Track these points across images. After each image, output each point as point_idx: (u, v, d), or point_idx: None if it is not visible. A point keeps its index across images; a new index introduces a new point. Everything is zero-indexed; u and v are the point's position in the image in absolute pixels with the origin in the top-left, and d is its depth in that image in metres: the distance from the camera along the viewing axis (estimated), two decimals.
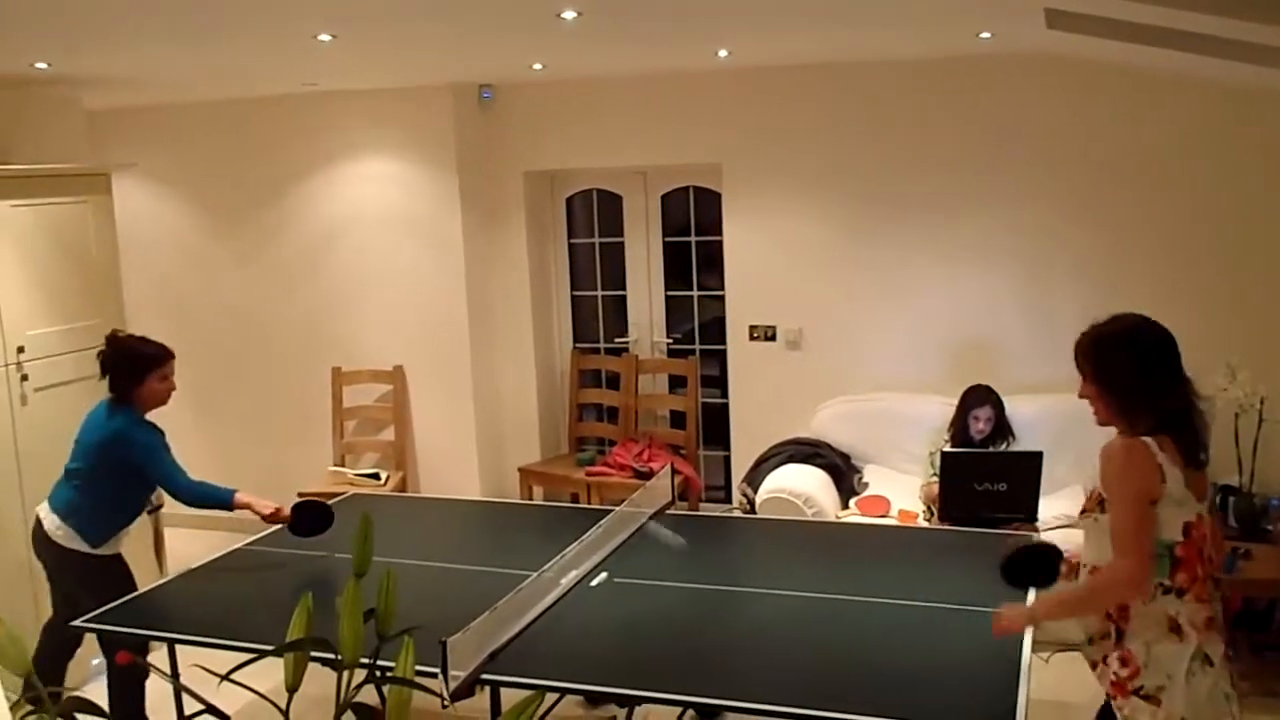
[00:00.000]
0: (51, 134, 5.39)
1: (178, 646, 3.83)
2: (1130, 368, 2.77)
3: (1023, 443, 5.28)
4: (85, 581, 4.15)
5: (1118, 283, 5.55)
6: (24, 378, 4.82)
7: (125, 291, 5.49)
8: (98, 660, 5.06)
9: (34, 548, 4.26)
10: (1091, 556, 2.83)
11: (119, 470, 4.15)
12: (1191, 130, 5.54)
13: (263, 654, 2.10)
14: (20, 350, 4.81)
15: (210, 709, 2.23)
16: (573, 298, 7.18)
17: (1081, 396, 2.87)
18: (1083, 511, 2.87)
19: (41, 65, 4.68)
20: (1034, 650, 3.25)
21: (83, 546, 4.15)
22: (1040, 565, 3.08)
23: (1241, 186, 5.48)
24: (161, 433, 4.21)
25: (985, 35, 5.00)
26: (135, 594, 4.08)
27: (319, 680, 2.22)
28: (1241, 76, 5.02)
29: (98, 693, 4.76)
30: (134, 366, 4.14)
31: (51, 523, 4.17)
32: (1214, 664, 2.70)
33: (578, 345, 7.16)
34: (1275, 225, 5.35)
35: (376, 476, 6.65)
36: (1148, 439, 2.70)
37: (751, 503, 5.66)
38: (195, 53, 4.63)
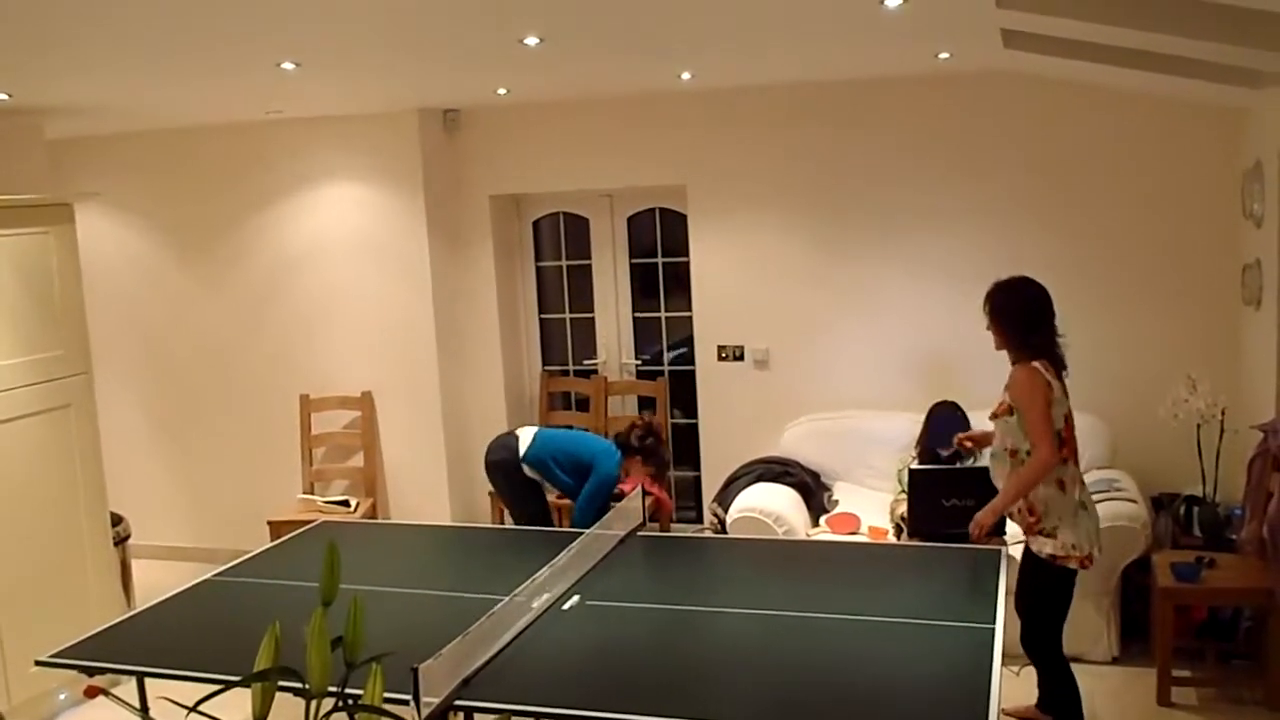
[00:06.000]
0: (12, 164, 5.35)
1: (146, 679, 3.78)
2: (1016, 310, 4.01)
3: (989, 457, 5.31)
4: (529, 497, 5.38)
5: (1080, 296, 5.60)
6: None
7: (90, 321, 5.45)
8: (65, 695, 5.01)
9: (499, 471, 5.39)
10: (1004, 444, 4.05)
11: (581, 477, 5.25)
12: (1149, 146, 5.63)
13: (229, 685, 2.09)
14: None
15: None
16: (541, 320, 7.19)
17: (988, 329, 4.10)
18: (994, 415, 4.10)
19: (1, 96, 4.65)
20: (1004, 663, 3.27)
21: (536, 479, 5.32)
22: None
23: (1200, 200, 5.57)
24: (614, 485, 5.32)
25: (944, 55, 5.07)
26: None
27: (290, 711, 2.21)
28: (1197, 92, 5.11)
29: None
30: (650, 456, 5.35)
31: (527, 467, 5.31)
32: (1088, 508, 3.99)
33: (546, 368, 7.17)
34: (1231, 237, 5.43)
35: (346, 504, 6.62)
36: (1036, 364, 3.93)
37: (722, 522, 5.67)
38: (158, 81, 4.62)
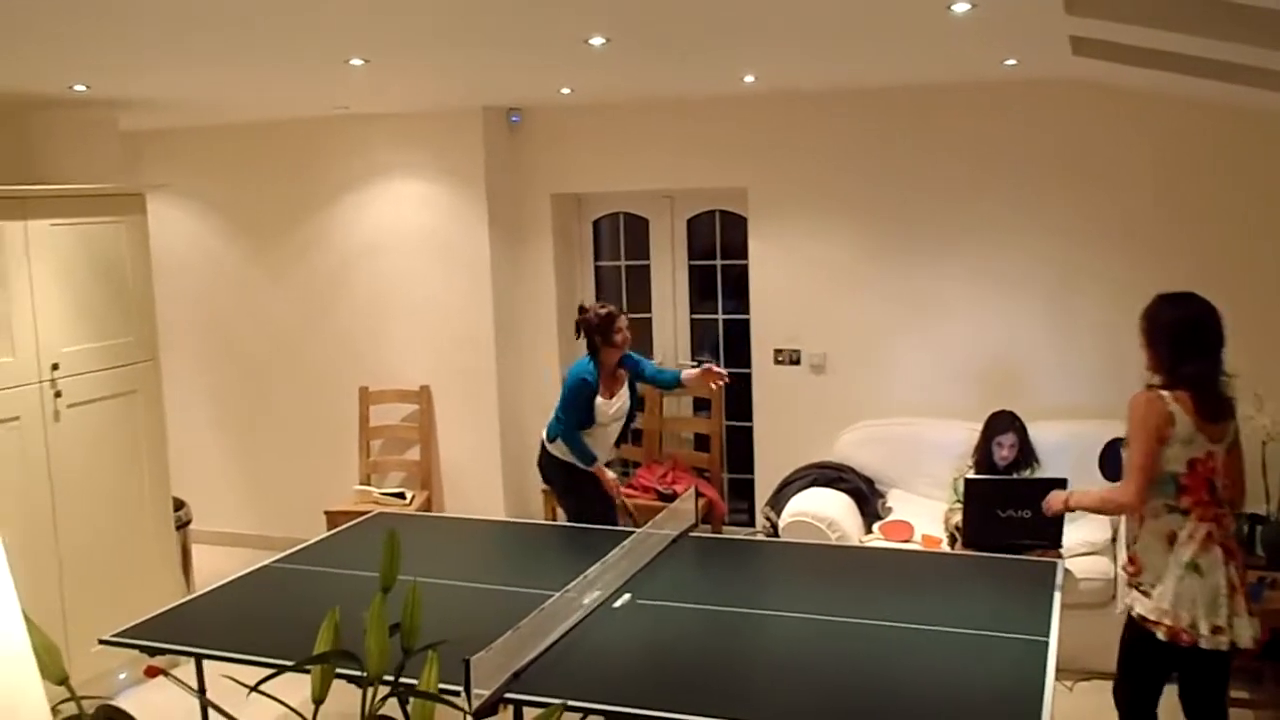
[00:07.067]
0: (88, 155, 5.48)
1: (205, 661, 3.86)
2: (1158, 341, 3.51)
3: (1047, 469, 5.26)
4: (556, 482, 5.54)
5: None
6: (58, 394, 4.90)
7: (158, 309, 5.57)
8: (124, 675, 5.12)
9: (540, 468, 5.57)
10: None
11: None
12: (1219, 157, 5.54)
13: (285, 668, 2.13)
14: (55, 367, 4.89)
15: None
16: None
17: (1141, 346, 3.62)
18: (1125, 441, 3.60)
19: (80, 87, 4.77)
20: (1057, 678, 3.24)
21: (560, 454, 5.37)
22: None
23: (1268, 212, 5.46)
24: (593, 388, 5.25)
25: (1011, 62, 5.02)
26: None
27: (343, 698, 2.25)
28: (1266, 103, 5.01)
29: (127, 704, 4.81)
30: (596, 330, 5.25)
31: (552, 446, 5.41)
32: (1203, 573, 3.37)
33: None
34: None
35: (402, 496, 6.69)
36: (1164, 392, 3.43)
37: (775, 526, 5.66)
38: (230, 76, 4.71)
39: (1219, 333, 3.49)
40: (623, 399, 5.41)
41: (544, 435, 5.49)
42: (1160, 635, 3.41)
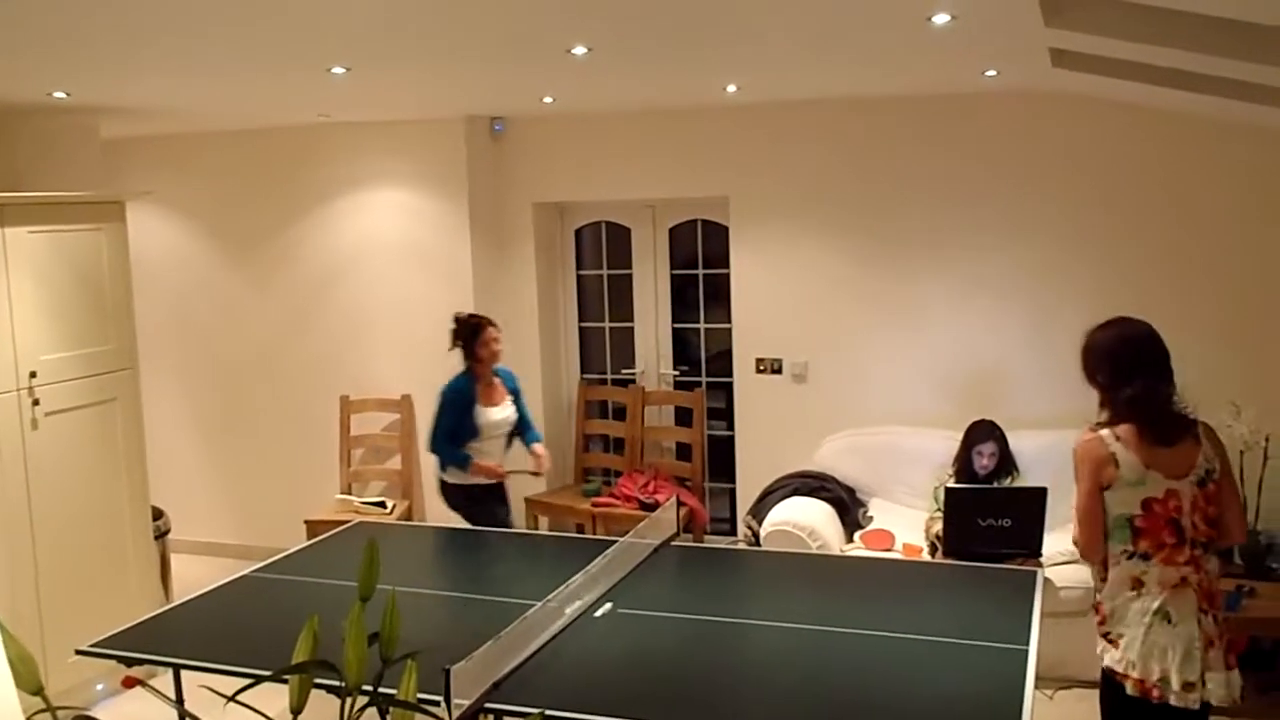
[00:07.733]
0: (68, 162, 5.46)
1: (183, 672, 3.83)
2: (1095, 369, 3.29)
3: (1027, 478, 5.28)
4: (459, 506, 5.40)
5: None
6: (35, 402, 4.86)
7: (138, 318, 5.54)
8: (102, 686, 5.08)
9: (444, 497, 5.45)
10: None
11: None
12: (1196, 168, 5.58)
13: (263, 679, 2.11)
14: (33, 375, 4.86)
15: None
16: (580, 329, 7.22)
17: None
18: None
19: (60, 94, 4.74)
20: (1037, 686, 3.25)
21: (454, 479, 5.36)
22: None
23: (1247, 223, 5.51)
24: (467, 398, 5.27)
25: (991, 73, 5.05)
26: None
27: (322, 708, 2.24)
28: (1243, 114, 5.06)
29: (104, 715, 4.78)
30: (465, 338, 5.33)
31: (445, 475, 5.39)
32: (1174, 622, 3.12)
33: (585, 376, 7.19)
34: (1278, 262, 5.37)
35: (383, 505, 6.67)
36: (1104, 433, 3.20)
37: (756, 535, 5.66)
38: (211, 84, 4.70)
39: (1161, 349, 3.22)
40: (508, 409, 5.42)
41: (436, 469, 5.44)
42: (1129, 689, 3.14)
